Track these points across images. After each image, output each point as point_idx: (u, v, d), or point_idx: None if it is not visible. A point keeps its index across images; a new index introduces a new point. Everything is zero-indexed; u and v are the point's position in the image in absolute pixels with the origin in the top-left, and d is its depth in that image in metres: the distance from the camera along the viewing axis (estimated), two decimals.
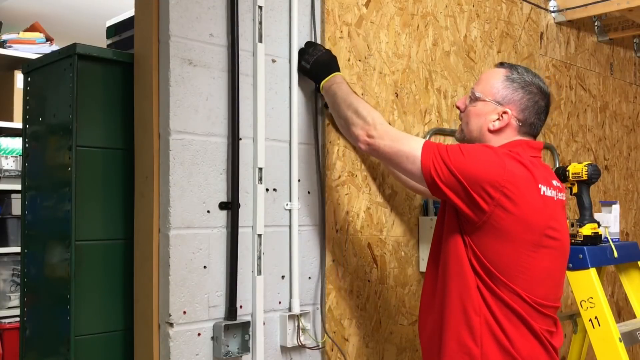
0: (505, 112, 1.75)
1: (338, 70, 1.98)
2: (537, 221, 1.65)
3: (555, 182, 1.74)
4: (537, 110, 1.77)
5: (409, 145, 1.69)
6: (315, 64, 1.98)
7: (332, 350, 2.06)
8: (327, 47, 2.06)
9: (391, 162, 1.75)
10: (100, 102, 1.83)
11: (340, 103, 1.86)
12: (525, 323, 1.65)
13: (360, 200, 2.17)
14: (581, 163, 2.23)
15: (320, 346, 2.03)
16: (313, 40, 2.07)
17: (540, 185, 1.66)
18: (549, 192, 1.69)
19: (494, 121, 1.76)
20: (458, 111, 1.89)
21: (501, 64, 1.84)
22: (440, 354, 1.69)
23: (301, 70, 2.01)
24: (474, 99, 1.81)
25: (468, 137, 1.81)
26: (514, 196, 1.60)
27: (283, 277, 1.98)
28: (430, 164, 1.63)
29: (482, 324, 1.64)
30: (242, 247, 1.86)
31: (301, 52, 2.02)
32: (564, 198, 1.78)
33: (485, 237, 1.63)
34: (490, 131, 1.76)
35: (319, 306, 2.06)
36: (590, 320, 2.09)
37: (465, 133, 1.82)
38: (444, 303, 1.70)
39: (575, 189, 2.25)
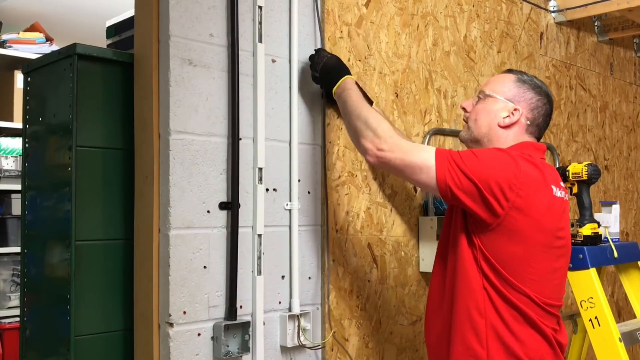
0: (516, 109, 1.77)
1: (347, 72, 1.95)
2: (549, 223, 1.67)
3: (561, 183, 1.76)
4: (545, 112, 1.81)
5: (421, 157, 1.67)
6: (324, 71, 1.96)
7: (332, 350, 2.06)
8: (327, 47, 2.06)
9: (403, 175, 1.72)
10: (100, 102, 1.83)
11: (350, 113, 1.82)
12: (534, 324, 1.65)
13: (360, 200, 2.17)
14: (581, 163, 2.23)
15: (320, 346, 2.03)
16: (314, 40, 2.07)
17: (552, 186, 1.69)
18: (559, 193, 1.71)
19: (504, 117, 1.77)
20: (461, 111, 1.89)
21: (509, 70, 1.87)
22: (448, 357, 1.70)
23: (314, 79, 2.01)
24: (483, 97, 1.81)
25: (476, 133, 1.80)
26: (529, 197, 1.62)
27: (283, 277, 1.98)
28: (446, 172, 1.62)
29: (487, 326, 1.64)
30: (242, 247, 1.86)
31: (310, 61, 2.01)
32: (568, 197, 1.80)
33: (497, 239, 1.64)
34: (500, 127, 1.77)
35: (319, 306, 2.06)
36: (590, 320, 2.09)
37: (472, 129, 1.81)
38: (452, 306, 1.70)
39: (575, 189, 2.25)
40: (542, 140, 2.91)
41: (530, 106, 1.78)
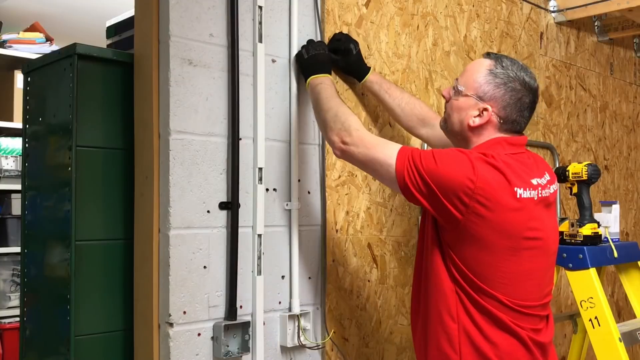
0: (485, 109, 1.69)
1: (330, 73, 1.96)
2: (514, 226, 1.61)
3: (535, 181, 1.67)
4: (520, 107, 1.70)
5: (383, 153, 1.65)
6: (313, 58, 1.97)
7: (332, 350, 2.06)
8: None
9: (366, 169, 1.73)
10: (100, 102, 1.83)
11: (321, 105, 1.83)
12: (507, 327, 1.62)
13: (360, 200, 2.17)
14: (581, 163, 2.22)
15: (320, 346, 2.03)
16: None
17: (515, 189, 1.60)
18: (526, 194, 1.62)
19: (474, 117, 1.70)
20: (444, 100, 1.86)
21: (487, 55, 1.77)
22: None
23: (297, 57, 2.00)
24: (457, 91, 1.75)
25: (450, 129, 1.77)
26: (488, 202, 1.57)
27: (283, 277, 1.98)
28: (405, 172, 1.60)
29: (460, 330, 1.62)
30: (242, 247, 1.86)
31: (307, 43, 2.02)
32: (552, 191, 1.71)
33: (462, 244, 1.61)
34: (470, 127, 1.71)
35: (319, 306, 2.06)
36: (590, 320, 2.09)
37: (447, 124, 1.78)
38: (426, 310, 1.69)
39: (575, 189, 2.25)
40: (542, 140, 2.95)
41: (501, 104, 1.68)
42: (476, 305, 1.61)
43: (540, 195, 1.66)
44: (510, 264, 1.62)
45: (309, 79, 1.95)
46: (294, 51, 2.02)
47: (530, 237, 1.64)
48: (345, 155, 1.73)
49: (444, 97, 1.80)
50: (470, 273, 1.60)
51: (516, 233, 1.62)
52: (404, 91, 2.15)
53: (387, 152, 1.65)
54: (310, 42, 2.02)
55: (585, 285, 2.12)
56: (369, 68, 2.08)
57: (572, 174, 2.22)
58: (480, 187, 1.56)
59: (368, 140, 1.70)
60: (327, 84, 1.90)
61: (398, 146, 1.66)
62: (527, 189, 1.63)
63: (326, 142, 2.07)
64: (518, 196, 1.61)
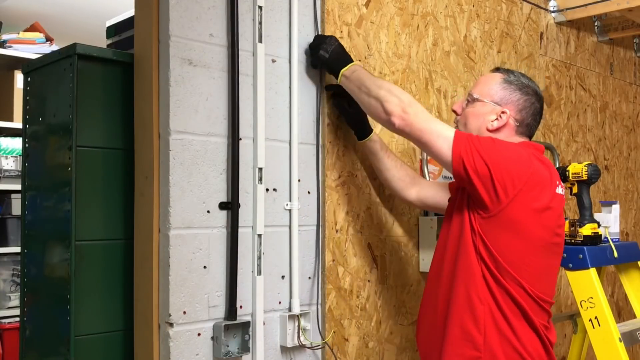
0: (503, 112, 1.80)
1: (352, 61, 1.98)
2: (550, 220, 1.71)
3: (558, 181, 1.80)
4: (534, 111, 1.83)
5: (442, 126, 1.74)
6: (334, 54, 1.99)
7: (332, 350, 2.06)
8: None
9: (421, 139, 1.75)
10: (100, 102, 1.83)
11: (369, 85, 1.86)
12: (526, 316, 1.69)
13: (360, 200, 2.17)
14: (581, 163, 2.23)
15: (320, 346, 2.03)
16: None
17: (557, 182, 1.74)
18: (559, 190, 1.75)
19: (492, 121, 1.81)
20: (454, 115, 1.92)
21: (497, 69, 1.90)
22: (443, 341, 1.72)
23: (319, 59, 2.00)
24: (471, 100, 1.86)
25: None
26: (534, 192, 1.66)
27: (283, 277, 1.98)
28: (462, 146, 1.67)
29: (486, 312, 1.67)
30: (242, 247, 1.86)
31: (316, 45, 2.01)
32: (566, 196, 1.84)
33: (497, 227, 1.67)
34: (489, 130, 1.81)
35: (319, 306, 2.06)
36: (590, 320, 2.09)
37: None
38: (451, 291, 1.73)
39: (575, 189, 2.25)
40: (542, 140, 2.95)
41: (517, 107, 1.81)
42: (501, 288, 1.67)
43: (564, 195, 1.80)
44: (539, 255, 1.71)
45: (341, 72, 1.95)
46: (294, 51, 2.02)
47: (559, 233, 1.76)
48: (405, 123, 1.76)
49: (455, 112, 1.91)
50: (499, 256, 1.67)
51: (551, 227, 1.73)
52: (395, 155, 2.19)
53: (445, 126, 1.74)
54: (319, 39, 2.02)
55: (585, 285, 2.12)
56: (372, 130, 2.09)
57: (572, 174, 2.22)
58: (532, 174, 1.67)
59: (426, 114, 1.78)
60: (361, 69, 1.94)
61: (452, 127, 1.75)
62: (561, 187, 1.77)
63: (323, 142, 2.08)
64: (557, 191, 1.74)
